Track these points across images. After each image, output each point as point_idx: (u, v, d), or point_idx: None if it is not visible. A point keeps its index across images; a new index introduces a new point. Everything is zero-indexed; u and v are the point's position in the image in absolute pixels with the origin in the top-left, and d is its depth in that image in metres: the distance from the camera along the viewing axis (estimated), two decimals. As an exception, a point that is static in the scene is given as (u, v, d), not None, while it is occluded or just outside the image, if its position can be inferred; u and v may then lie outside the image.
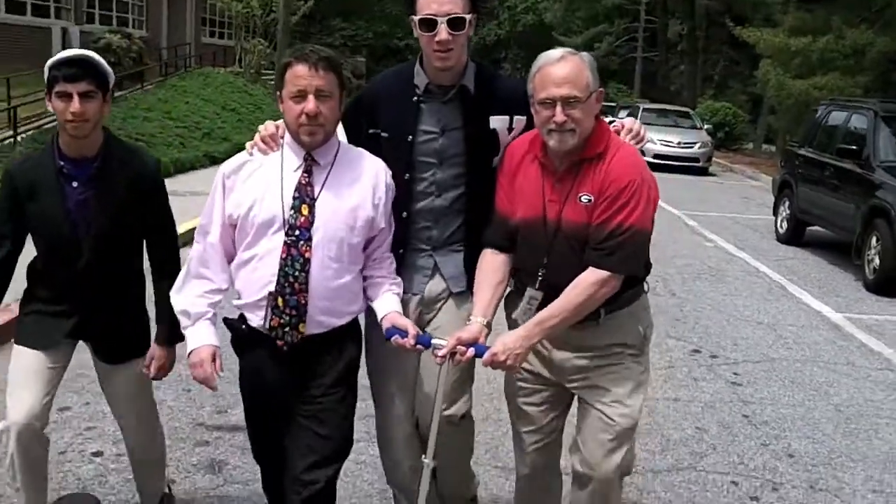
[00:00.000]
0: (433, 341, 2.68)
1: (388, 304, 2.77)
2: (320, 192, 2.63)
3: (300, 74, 2.54)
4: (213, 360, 2.66)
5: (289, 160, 2.67)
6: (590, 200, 2.60)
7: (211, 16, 31.82)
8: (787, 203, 11.47)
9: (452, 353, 2.61)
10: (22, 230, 2.98)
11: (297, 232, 2.59)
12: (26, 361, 3.00)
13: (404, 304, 2.90)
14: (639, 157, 2.70)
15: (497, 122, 2.88)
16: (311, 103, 2.54)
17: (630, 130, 2.82)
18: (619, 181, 2.57)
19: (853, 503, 4.06)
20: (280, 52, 24.17)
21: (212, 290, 2.73)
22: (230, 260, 2.74)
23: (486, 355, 2.59)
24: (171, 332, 3.03)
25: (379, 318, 2.76)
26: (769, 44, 20.83)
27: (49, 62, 2.88)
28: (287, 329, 2.63)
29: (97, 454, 4.04)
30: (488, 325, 2.70)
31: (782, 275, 9.30)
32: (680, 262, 9.50)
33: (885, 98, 13.17)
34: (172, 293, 2.79)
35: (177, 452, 4.07)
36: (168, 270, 3.05)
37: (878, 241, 8.73)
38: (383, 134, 2.89)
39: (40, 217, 2.93)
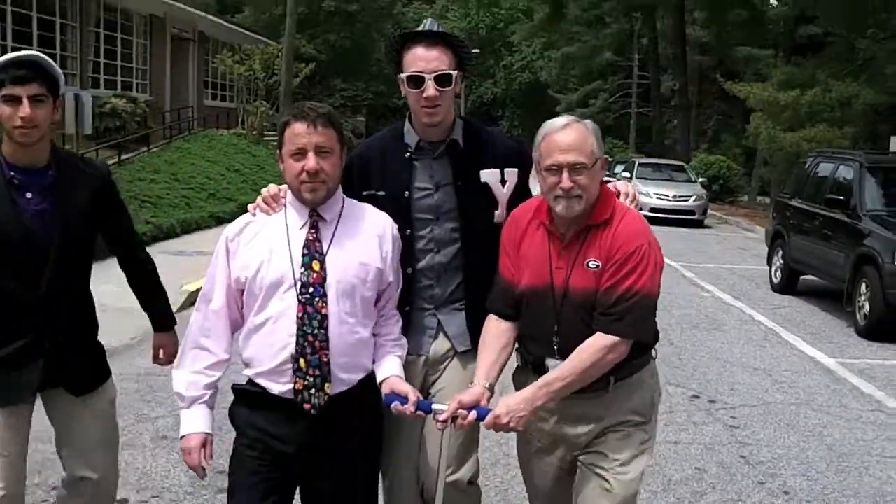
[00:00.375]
0: (434, 406, 2.63)
1: (389, 368, 2.71)
2: (329, 246, 2.60)
3: (299, 132, 2.53)
4: (203, 447, 2.62)
5: (293, 218, 2.63)
6: (597, 266, 2.60)
7: (213, 79, 32.50)
8: (780, 253, 11.78)
9: (454, 418, 2.57)
10: None
11: (310, 289, 2.54)
12: None
13: (410, 365, 2.87)
14: (644, 222, 2.69)
15: (488, 175, 2.91)
16: (311, 160, 2.52)
17: (626, 195, 2.83)
18: (626, 246, 2.57)
19: (845, 535, 4.28)
20: (282, 114, 24.71)
21: (211, 365, 2.65)
22: (234, 328, 2.68)
23: (489, 417, 2.56)
24: (166, 317, 3.09)
25: (378, 381, 2.70)
26: (759, 98, 21.43)
27: None
28: (313, 391, 2.55)
29: (122, 501, 4.22)
30: (490, 389, 2.67)
31: (777, 322, 9.56)
32: (678, 313, 9.75)
33: (871, 149, 13.56)
34: (173, 369, 2.72)
35: (199, 500, 4.28)
36: (146, 258, 3.11)
37: (867, 287, 9.01)
38: (379, 193, 2.88)
39: None
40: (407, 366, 2.83)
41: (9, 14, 18.12)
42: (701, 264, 14.01)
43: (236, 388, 2.68)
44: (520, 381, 2.84)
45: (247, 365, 2.64)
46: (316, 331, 2.54)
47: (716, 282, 12.20)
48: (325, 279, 2.56)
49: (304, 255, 2.57)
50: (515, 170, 2.93)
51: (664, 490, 4.69)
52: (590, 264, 2.61)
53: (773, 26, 30.92)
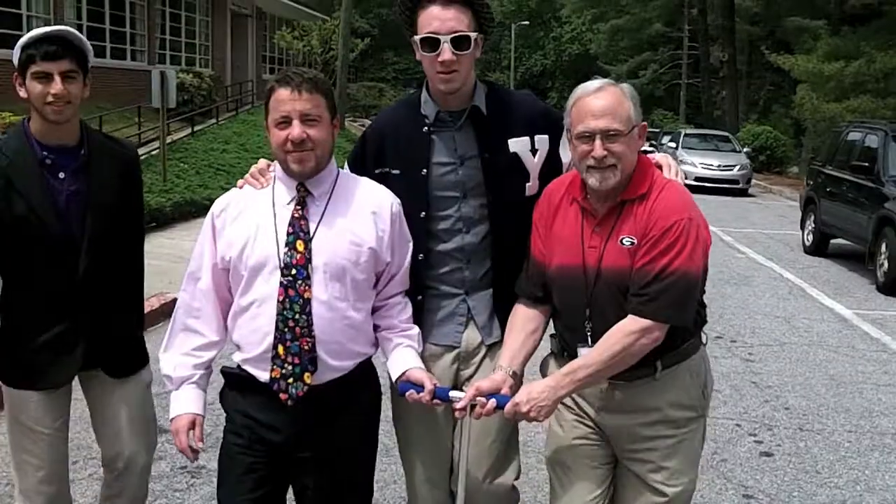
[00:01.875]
0: (451, 394, 2.47)
1: (405, 361, 2.52)
2: (318, 225, 2.40)
3: (283, 99, 2.33)
4: (192, 428, 2.48)
5: (280, 194, 2.44)
6: (632, 243, 2.39)
7: (270, 53, 33.69)
8: (811, 217, 12.55)
9: (473, 406, 2.41)
10: None
11: (293, 271, 2.36)
12: (30, 418, 2.69)
13: (439, 358, 2.70)
14: (687, 195, 2.47)
15: (517, 144, 2.66)
16: (296, 129, 2.32)
17: (669, 168, 2.59)
18: (663, 221, 2.36)
19: (831, 438, 5.19)
20: (340, 87, 25.77)
21: (200, 347, 2.51)
22: (226, 308, 2.51)
23: (509, 406, 2.37)
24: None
25: (395, 377, 2.52)
26: (803, 69, 21.87)
27: (22, 41, 2.56)
28: (290, 380, 2.38)
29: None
30: (514, 376, 2.50)
31: (803, 280, 10.38)
32: (711, 270, 10.39)
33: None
34: (160, 352, 2.57)
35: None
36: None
37: (887, 247, 9.82)
38: (393, 171, 2.65)
39: (25, 218, 2.55)
40: (435, 360, 2.70)
41: (84, -7, 19.45)
42: (739, 229, 14.78)
43: (225, 371, 2.53)
44: (547, 369, 2.70)
45: (237, 348, 2.50)
46: (297, 315, 2.36)
47: (751, 245, 12.98)
48: (309, 261, 2.38)
49: (288, 234, 2.39)
50: (546, 136, 2.69)
51: (683, 405, 5.61)
52: (624, 241, 2.41)
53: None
